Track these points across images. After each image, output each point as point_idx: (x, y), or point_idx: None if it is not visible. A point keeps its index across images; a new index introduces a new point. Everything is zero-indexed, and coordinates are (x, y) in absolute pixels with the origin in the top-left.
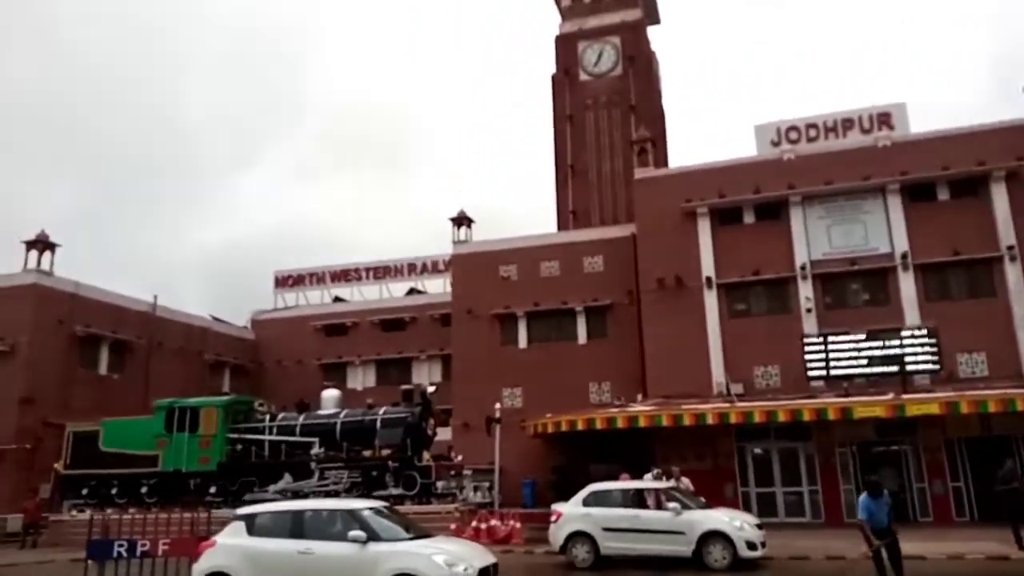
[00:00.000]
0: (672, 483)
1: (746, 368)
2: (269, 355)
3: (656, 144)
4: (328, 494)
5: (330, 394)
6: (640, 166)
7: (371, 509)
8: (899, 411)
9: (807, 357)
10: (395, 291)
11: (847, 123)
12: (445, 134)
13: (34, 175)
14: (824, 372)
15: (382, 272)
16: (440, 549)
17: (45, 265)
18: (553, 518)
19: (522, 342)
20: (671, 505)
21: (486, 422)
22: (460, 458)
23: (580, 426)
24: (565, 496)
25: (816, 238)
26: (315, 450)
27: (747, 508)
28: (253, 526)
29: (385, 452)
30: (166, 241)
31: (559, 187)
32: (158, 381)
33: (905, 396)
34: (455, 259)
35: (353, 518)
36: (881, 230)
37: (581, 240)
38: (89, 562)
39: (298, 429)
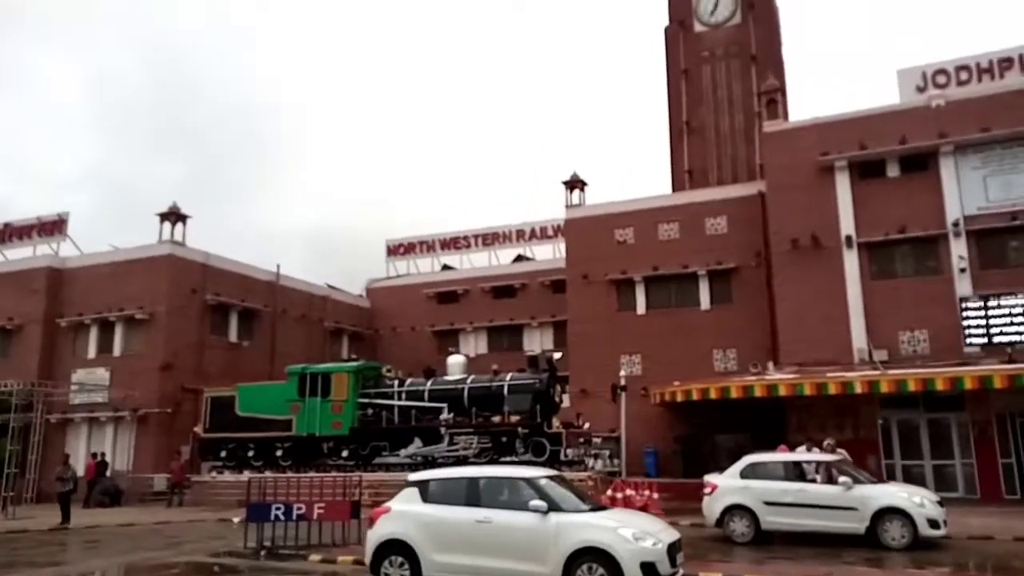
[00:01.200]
0: (838, 456)
1: (890, 333)
2: (384, 322)
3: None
4: (458, 459)
5: (456, 359)
6: (769, 118)
7: (547, 477)
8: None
9: (965, 321)
10: (503, 258)
11: (1004, 63)
12: (549, 99)
13: (144, 153)
14: (985, 337)
15: (491, 239)
16: (625, 522)
17: (177, 236)
18: (707, 490)
19: (640, 308)
20: (842, 479)
21: (611, 389)
22: (587, 425)
23: (713, 395)
24: (691, 467)
25: (970, 191)
26: (444, 415)
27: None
28: (427, 493)
29: (514, 418)
30: (268, 215)
31: (673, 146)
32: (282, 348)
33: None
34: (568, 223)
35: (531, 487)
36: None
37: (702, 200)
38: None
39: (426, 394)
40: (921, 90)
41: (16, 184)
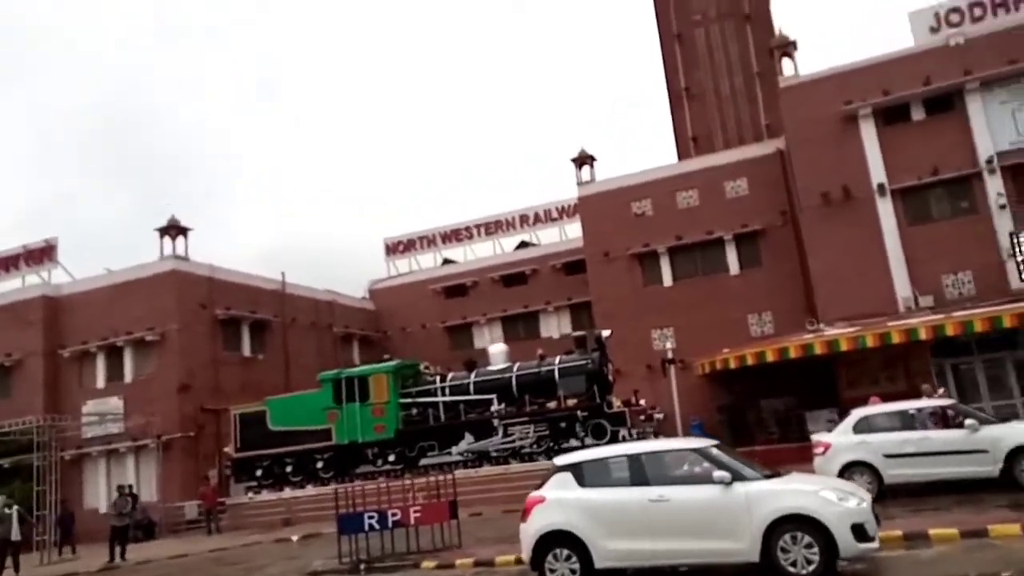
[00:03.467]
0: (947, 400)
1: (933, 279)
2: (392, 323)
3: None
4: (514, 451)
5: (498, 348)
6: (783, 73)
7: (715, 446)
8: None
9: (1019, 256)
10: (508, 246)
11: None
12: (540, 81)
13: (97, 185)
14: None
15: (494, 227)
16: (822, 483)
17: (180, 250)
18: (819, 450)
19: (667, 279)
20: (968, 421)
21: (661, 364)
22: (644, 401)
23: (770, 357)
24: (738, 435)
25: (1000, 127)
26: (495, 407)
27: None
28: (583, 476)
29: (571, 402)
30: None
31: (674, 114)
32: (295, 358)
33: None
34: (582, 201)
35: (704, 456)
36: None
37: (719, 163)
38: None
39: (471, 387)
40: (935, 31)
41: None
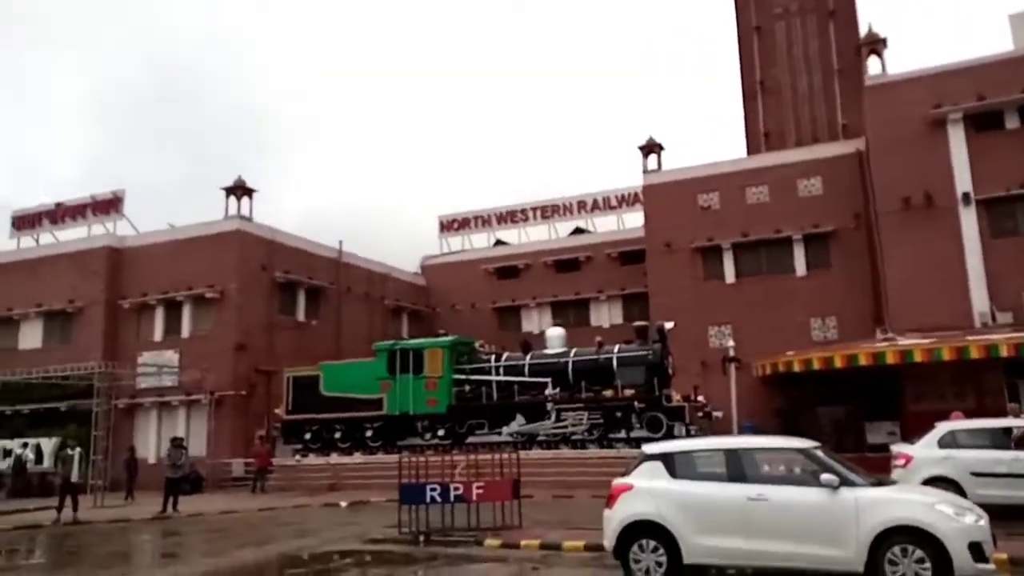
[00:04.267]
0: None
1: (1013, 295)
2: (442, 300)
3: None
4: (565, 437)
5: (556, 332)
6: (871, 71)
7: (818, 448)
8: None
9: None
10: (562, 231)
11: None
12: (611, 66)
13: (145, 151)
14: None
15: (550, 211)
16: (939, 496)
17: (244, 211)
18: (900, 462)
19: (729, 276)
20: None
21: (722, 361)
22: (702, 399)
23: (838, 363)
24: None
25: None
26: (549, 390)
27: None
28: (675, 467)
29: (628, 392)
30: (288, 205)
31: (747, 108)
32: (347, 327)
33: None
34: (647, 189)
35: (809, 458)
36: None
37: (793, 161)
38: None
39: (526, 369)
40: None
41: (16, 183)
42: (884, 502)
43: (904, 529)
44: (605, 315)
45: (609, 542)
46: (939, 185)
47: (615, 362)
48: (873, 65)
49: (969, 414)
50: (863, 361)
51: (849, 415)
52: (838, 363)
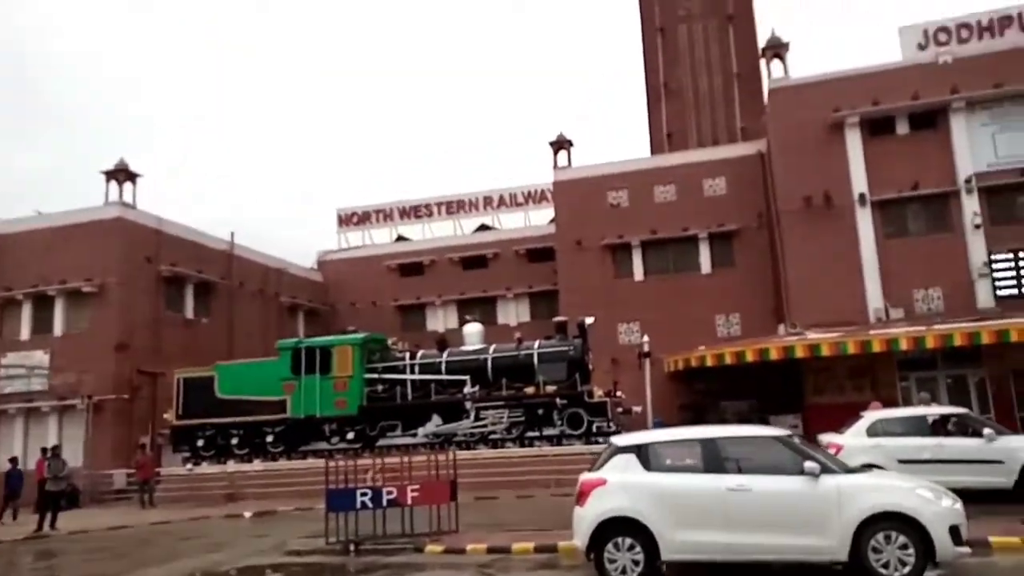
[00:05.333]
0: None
1: (905, 292)
2: (341, 297)
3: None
4: (483, 437)
5: (473, 328)
6: (772, 75)
7: (792, 435)
8: None
9: (995, 275)
10: (467, 227)
11: (1004, 21)
12: (515, 66)
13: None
14: (1016, 290)
15: (455, 207)
16: (917, 481)
17: (127, 197)
18: (831, 451)
19: (638, 274)
20: (986, 431)
21: (638, 357)
22: (622, 394)
23: (749, 357)
24: None
25: (979, 148)
26: (468, 388)
27: None
28: (649, 459)
29: (550, 388)
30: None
31: (651, 109)
32: (241, 325)
33: None
34: (557, 186)
35: (786, 446)
36: None
37: (699, 160)
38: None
39: (443, 366)
40: (922, 47)
41: None
42: (866, 488)
43: (886, 515)
44: (513, 313)
45: (581, 541)
46: (837, 186)
47: (536, 358)
48: (776, 69)
49: (864, 405)
50: (773, 355)
51: (752, 409)
52: (749, 357)
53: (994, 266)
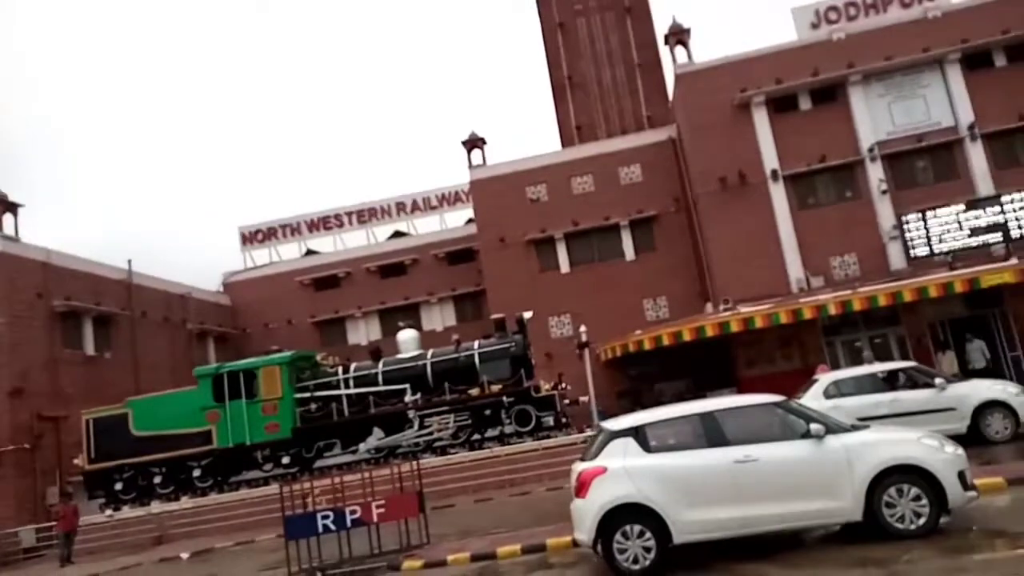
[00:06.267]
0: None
1: (822, 261)
2: (253, 319)
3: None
4: (428, 445)
5: (408, 335)
6: (676, 60)
7: (787, 400)
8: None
9: (908, 236)
10: (380, 236)
11: None
12: (417, 68)
13: None
14: (927, 249)
15: (367, 215)
16: (918, 432)
17: (8, 230)
18: None
19: (564, 266)
20: (937, 381)
21: (577, 347)
22: (569, 387)
23: (686, 336)
24: None
25: (878, 118)
26: (409, 397)
27: None
28: (648, 440)
29: (495, 388)
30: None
31: (558, 103)
32: (145, 357)
33: (981, 268)
34: (474, 184)
35: (785, 410)
36: (942, 103)
37: (613, 150)
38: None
39: (380, 377)
40: (815, 27)
41: None
42: (872, 444)
43: (897, 469)
44: (438, 318)
45: (587, 535)
46: (749, 164)
47: (477, 358)
48: (680, 55)
49: (795, 373)
50: (710, 332)
51: (688, 388)
52: (687, 336)
53: (905, 228)
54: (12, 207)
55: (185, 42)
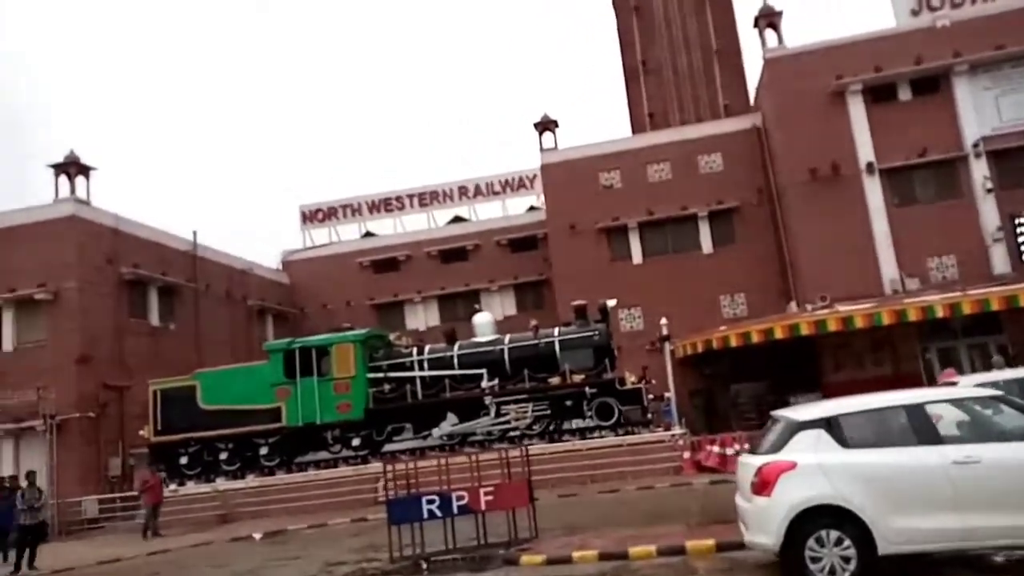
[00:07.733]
0: None
1: (918, 261)
2: (311, 298)
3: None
4: (505, 433)
5: (484, 318)
6: (765, 46)
7: (1004, 395)
8: None
9: (1020, 239)
10: (440, 220)
11: None
12: (489, 52)
13: None
14: None
15: (428, 198)
16: None
17: (80, 193)
18: None
19: (636, 256)
20: None
21: (658, 340)
22: (652, 380)
23: (778, 334)
24: (711, 419)
25: (983, 112)
26: (485, 382)
27: None
28: (844, 434)
29: (577, 378)
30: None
31: (630, 87)
32: (208, 331)
33: None
34: (545, 169)
35: (1011, 406)
36: None
37: (693, 137)
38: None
39: (455, 361)
40: (915, 13)
41: None
42: None
43: None
44: (498, 306)
45: (774, 538)
46: (843, 156)
47: (558, 346)
48: (770, 38)
49: (885, 379)
50: (804, 331)
51: (768, 390)
52: (778, 333)
53: (1019, 229)
54: (85, 170)
55: (262, 19)
